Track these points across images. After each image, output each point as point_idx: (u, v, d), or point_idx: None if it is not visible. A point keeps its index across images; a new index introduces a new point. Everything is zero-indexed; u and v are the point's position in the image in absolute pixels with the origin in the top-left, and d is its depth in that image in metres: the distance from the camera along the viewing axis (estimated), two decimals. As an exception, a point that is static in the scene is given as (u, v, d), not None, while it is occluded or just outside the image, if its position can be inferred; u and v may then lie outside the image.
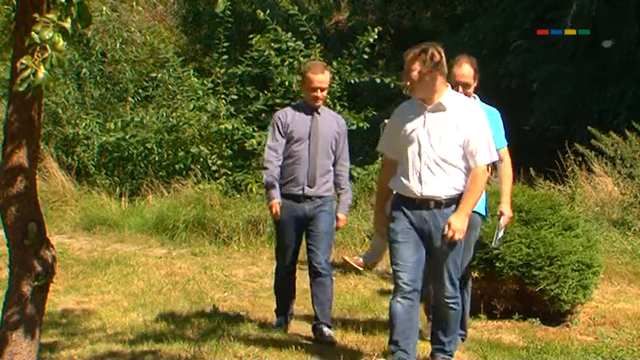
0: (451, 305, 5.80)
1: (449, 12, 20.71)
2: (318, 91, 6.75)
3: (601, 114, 14.44)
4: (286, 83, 12.92)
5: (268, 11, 13.26)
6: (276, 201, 6.76)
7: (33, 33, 3.63)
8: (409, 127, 5.68)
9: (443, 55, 5.59)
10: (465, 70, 6.46)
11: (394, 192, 5.84)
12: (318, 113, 6.81)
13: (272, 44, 12.93)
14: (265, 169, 6.85)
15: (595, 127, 12.73)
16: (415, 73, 5.56)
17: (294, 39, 13.04)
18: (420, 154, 5.60)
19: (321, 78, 6.78)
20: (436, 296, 5.85)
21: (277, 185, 6.79)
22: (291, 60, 13.03)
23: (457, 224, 5.55)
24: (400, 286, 5.64)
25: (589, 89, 15.13)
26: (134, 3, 17.25)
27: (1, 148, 4.52)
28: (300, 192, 6.73)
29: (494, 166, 6.47)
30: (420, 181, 5.59)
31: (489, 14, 17.48)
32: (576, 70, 15.26)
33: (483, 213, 6.48)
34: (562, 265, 7.32)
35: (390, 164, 5.88)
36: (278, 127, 6.83)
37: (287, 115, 6.89)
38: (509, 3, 16.77)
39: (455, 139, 5.59)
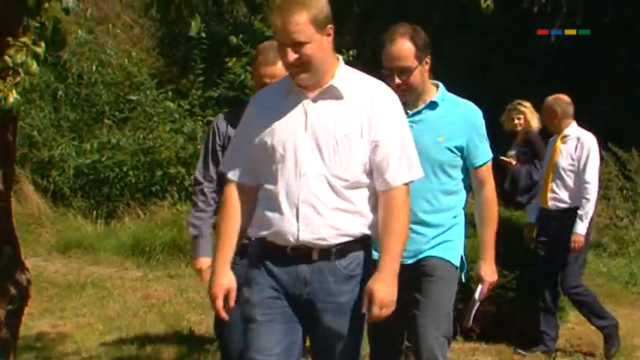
0: None
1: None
2: None
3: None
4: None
5: (241, 36, 13.16)
6: None
7: (6, 57, 3.62)
8: (280, 128, 3.57)
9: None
10: (401, 46, 4.25)
11: (251, 238, 3.69)
12: None
13: (247, 67, 12.91)
14: None
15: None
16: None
17: (269, 61, 13.00)
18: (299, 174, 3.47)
19: None
20: None
21: None
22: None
23: (384, 293, 3.40)
24: None
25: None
26: (110, 26, 17.23)
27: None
28: None
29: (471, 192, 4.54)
30: (298, 219, 3.46)
31: (468, 31, 17.40)
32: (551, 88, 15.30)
33: (457, 263, 4.36)
34: (538, 287, 7.34)
35: (243, 193, 3.64)
36: None
37: None
38: (489, 18, 16.75)
39: (358, 144, 3.46)
